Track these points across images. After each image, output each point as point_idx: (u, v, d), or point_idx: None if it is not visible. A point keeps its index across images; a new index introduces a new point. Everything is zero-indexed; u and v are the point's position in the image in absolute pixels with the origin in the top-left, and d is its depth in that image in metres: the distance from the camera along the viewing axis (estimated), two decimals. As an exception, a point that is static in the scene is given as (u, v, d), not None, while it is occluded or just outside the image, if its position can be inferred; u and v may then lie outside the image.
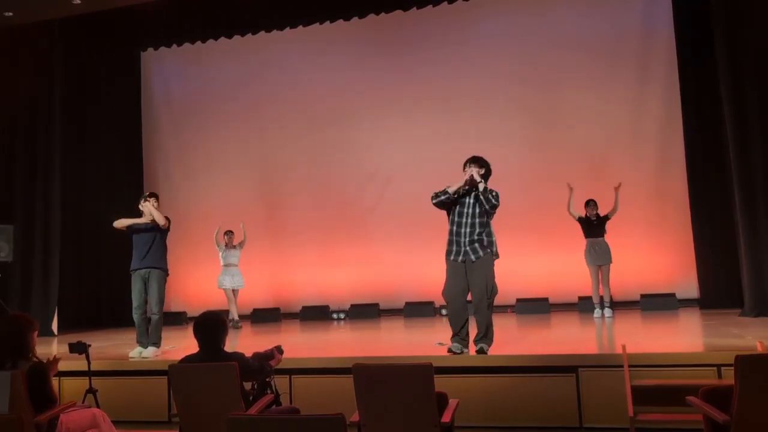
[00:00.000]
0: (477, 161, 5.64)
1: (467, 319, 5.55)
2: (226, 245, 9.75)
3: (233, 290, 9.67)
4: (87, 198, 11.10)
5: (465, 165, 5.67)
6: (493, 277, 5.51)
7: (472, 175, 5.52)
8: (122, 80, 11.72)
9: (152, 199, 6.71)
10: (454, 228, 5.62)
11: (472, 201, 5.59)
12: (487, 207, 5.49)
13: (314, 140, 11.09)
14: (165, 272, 6.62)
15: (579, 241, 8.63)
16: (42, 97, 10.11)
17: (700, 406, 3.39)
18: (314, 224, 10.95)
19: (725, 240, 8.65)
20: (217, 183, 11.43)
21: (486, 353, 5.45)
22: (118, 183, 11.29)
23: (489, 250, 5.54)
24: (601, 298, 8.46)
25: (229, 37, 10.29)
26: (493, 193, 5.51)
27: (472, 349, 5.56)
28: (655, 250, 9.44)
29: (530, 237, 9.75)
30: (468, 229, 5.54)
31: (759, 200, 7.75)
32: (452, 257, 5.59)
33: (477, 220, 5.54)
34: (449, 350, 5.54)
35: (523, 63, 10.25)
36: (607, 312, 8.38)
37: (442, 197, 5.61)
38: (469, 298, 5.58)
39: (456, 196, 5.61)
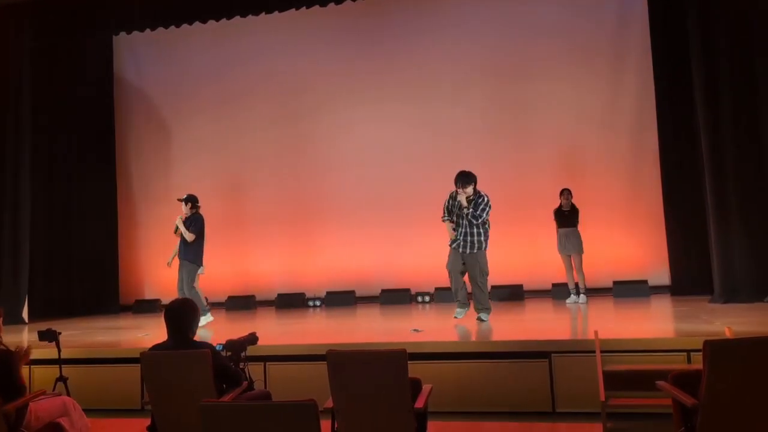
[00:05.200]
0: (465, 181, 6.71)
1: (464, 284, 6.94)
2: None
3: None
4: (57, 185, 10.91)
5: (456, 182, 6.75)
6: (485, 263, 6.90)
7: (459, 202, 6.77)
8: (94, 64, 11.50)
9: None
10: (455, 226, 6.92)
11: (463, 213, 6.85)
12: (474, 222, 6.75)
13: (289, 127, 10.99)
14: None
15: (553, 227, 8.74)
16: (12, 80, 9.84)
17: (669, 391, 3.44)
18: (290, 212, 10.86)
19: (696, 228, 8.74)
20: (191, 169, 11.24)
21: (485, 321, 6.79)
22: (90, 168, 11.12)
23: (480, 248, 6.83)
24: (576, 284, 8.58)
25: (204, 21, 10.13)
26: (478, 211, 6.72)
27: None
28: (627, 238, 9.52)
29: (505, 224, 9.72)
30: (463, 230, 6.82)
31: (729, 189, 7.83)
32: (453, 245, 6.91)
33: (467, 230, 6.81)
34: (455, 316, 6.86)
35: (497, 52, 10.23)
36: (582, 298, 8.51)
37: (447, 218, 7.01)
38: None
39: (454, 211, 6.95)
